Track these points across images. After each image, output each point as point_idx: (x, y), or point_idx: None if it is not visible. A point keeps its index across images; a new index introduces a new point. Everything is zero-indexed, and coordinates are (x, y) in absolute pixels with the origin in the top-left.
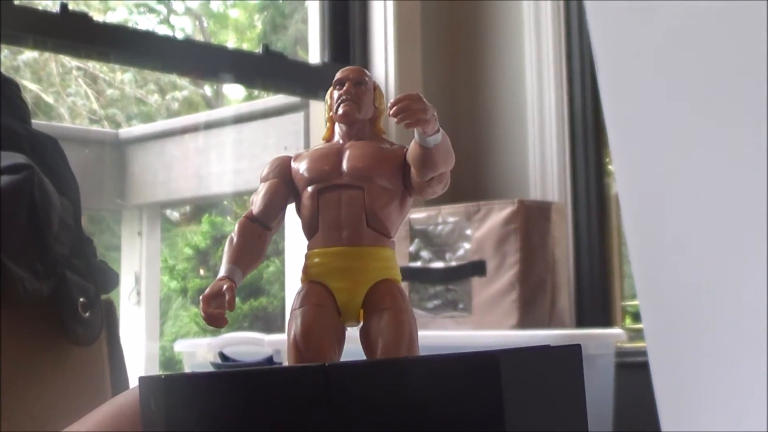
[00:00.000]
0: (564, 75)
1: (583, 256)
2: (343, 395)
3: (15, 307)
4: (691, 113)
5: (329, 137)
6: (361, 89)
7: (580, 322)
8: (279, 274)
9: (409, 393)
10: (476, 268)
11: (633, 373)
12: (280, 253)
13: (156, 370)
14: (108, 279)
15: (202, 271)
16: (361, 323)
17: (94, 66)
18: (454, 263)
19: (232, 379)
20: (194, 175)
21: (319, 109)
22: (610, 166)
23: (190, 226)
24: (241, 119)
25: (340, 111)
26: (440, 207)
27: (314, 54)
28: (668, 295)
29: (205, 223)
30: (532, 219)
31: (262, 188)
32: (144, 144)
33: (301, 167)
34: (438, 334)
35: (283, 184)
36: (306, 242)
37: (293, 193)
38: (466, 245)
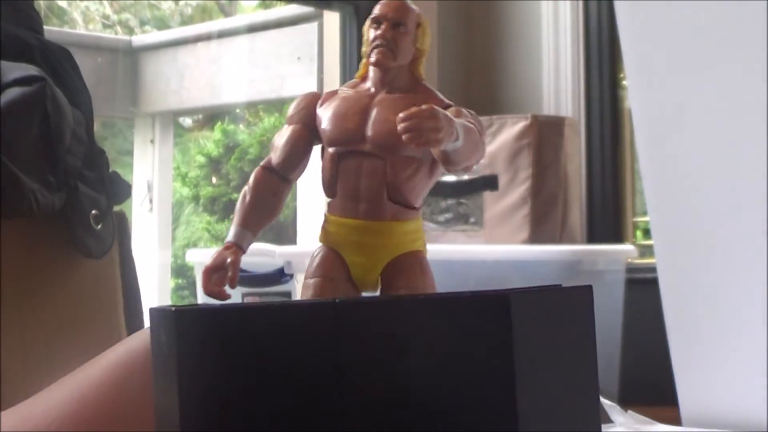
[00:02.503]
0: None
1: (595, 172)
2: (352, 331)
3: (27, 219)
4: (708, 32)
5: (363, 76)
6: (399, 32)
7: (591, 238)
8: None
9: (418, 331)
10: (488, 182)
11: (643, 288)
12: None
13: (168, 280)
14: (120, 190)
15: (214, 179)
16: (379, 292)
17: None
18: (465, 177)
19: (243, 314)
20: (207, 84)
21: (333, 20)
22: (624, 82)
23: (202, 131)
24: (254, 28)
25: (373, 58)
26: None
27: None
28: (678, 212)
29: (218, 131)
30: (545, 134)
31: (285, 133)
32: (157, 52)
33: (324, 118)
34: (449, 248)
35: (307, 130)
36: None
37: (318, 139)
38: None
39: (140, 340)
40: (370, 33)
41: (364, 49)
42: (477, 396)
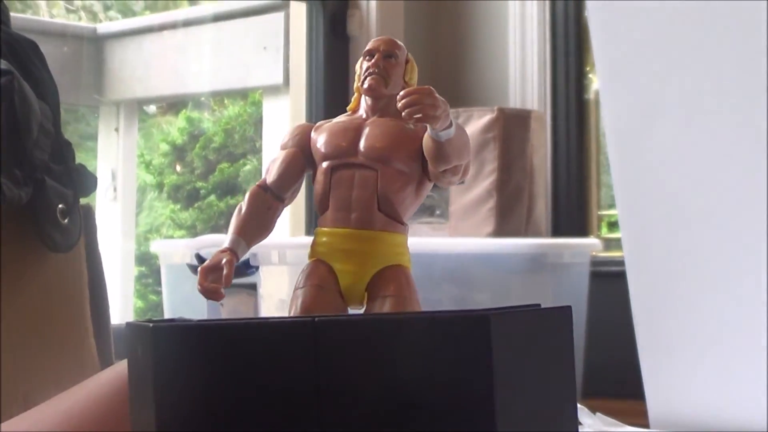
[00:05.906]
0: None
1: (561, 165)
2: (330, 349)
3: None
4: (680, 26)
5: (354, 108)
6: (390, 62)
7: (557, 231)
8: (256, 172)
9: (397, 351)
10: None
11: (607, 282)
12: (257, 151)
13: (132, 269)
14: (86, 183)
15: (178, 167)
16: (365, 307)
17: None
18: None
19: (221, 331)
20: (172, 72)
21: (299, 10)
22: (590, 75)
23: (166, 117)
24: (220, 17)
25: (366, 84)
26: None
27: None
28: (647, 205)
29: (182, 118)
30: (511, 127)
31: (280, 156)
32: (122, 40)
33: (319, 139)
34: (414, 241)
35: (301, 154)
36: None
37: (311, 164)
38: None
39: (114, 377)
40: (362, 66)
41: (357, 84)
42: (457, 416)
